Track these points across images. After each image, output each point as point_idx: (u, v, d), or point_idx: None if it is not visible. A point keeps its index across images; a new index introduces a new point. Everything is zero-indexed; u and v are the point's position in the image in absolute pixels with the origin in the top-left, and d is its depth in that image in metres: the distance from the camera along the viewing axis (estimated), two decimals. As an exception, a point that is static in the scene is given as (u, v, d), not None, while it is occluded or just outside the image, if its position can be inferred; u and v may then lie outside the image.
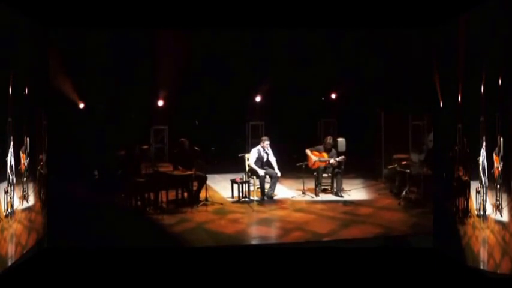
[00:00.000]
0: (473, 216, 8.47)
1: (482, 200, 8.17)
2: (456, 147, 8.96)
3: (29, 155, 9.01)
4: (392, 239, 10.61)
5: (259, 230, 11.52)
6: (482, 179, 8.14)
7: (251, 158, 13.65)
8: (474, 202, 8.41)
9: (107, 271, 8.62)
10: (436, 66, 9.96)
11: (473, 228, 8.52)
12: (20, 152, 8.69)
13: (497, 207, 7.77)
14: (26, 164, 8.89)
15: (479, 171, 8.21)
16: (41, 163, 9.77)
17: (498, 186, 7.72)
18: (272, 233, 11.30)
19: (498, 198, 7.74)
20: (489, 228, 8.02)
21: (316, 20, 9.57)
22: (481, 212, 8.22)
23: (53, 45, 10.32)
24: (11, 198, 8.33)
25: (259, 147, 13.78)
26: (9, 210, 8.31)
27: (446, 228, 9.37)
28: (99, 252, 9.39)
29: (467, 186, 8.60)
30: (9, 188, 8.27)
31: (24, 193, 8.90)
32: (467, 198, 8.65)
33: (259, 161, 13.65)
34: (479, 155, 8.17)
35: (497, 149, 7.67)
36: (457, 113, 8.96)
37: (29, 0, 8.36)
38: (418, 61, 12.29)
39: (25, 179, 8.90)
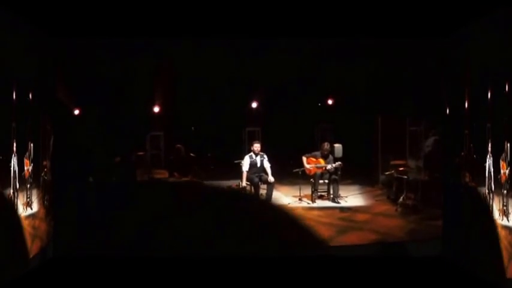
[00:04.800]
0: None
1: (489, 205, 8.20)
2: (463, 153, 8.99)
3: (32, 161, 8.92)
4: (392, 246, 10.61)
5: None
6: (489, 184, 8.15)
7: (244, 165, 13.60)
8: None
9: (110, 280, 8.57)
10: (443, 72, 10.01)
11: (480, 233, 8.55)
12: (24, 158, 8.60)
13: (504, 213, 7.79)
14: (29, 170, 8.80)
15: (485, 177, 8.23)
16: (45, 169, 9.68)
17: (505, 191, 7.74)
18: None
19: (505, 204, 7.76)
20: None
21: (321, 29, 9.60)
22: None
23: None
24: (14, 205, 8.25)
25: (251, 153, 13.73)
26: (12, 217, 8.26)
27: (455, 234, 9.39)
28: (102, 260, 9.38)
29: (474, 192, 8.63)
30: (13, 195, 8.18)
31: (28, 200, 8.81)
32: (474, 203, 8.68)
33: (253, 166, 13.58)
34: (485, 161, 8.19)
35: (504, 155, 7.69)
36: (464, 120, 8.99)
37: (33, 9, 8.32)
38: (417, 66, 12.33)
39: (29, 185, 8.82)
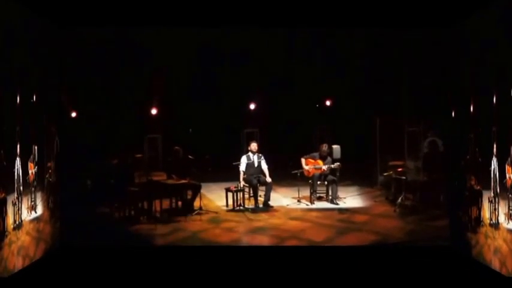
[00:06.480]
0: (486, 225, 8.52)
1: (495, 209, 8.20)
2: (468, 157, 9.00)
3: (37, 164, 8.90)
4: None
5: (254, 238, 11.45)
6: (495, 188, 8.16)
7: (241, 165, 13.63)
8: (487, 211, 8.45)
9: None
10: (447, 72, 10.02)
11: (485, 237, 8.56)
12: (28, 162, 8.58)
13: (510, 217, 7.80)
14: (33, 173, 8.77)
15: (491, 181, 8.24)
16: (49, 171, 9.63)
17: (511, 195, 7.75)
18: (267, 242, 11.19)
19: (511, 208, 7.77)
20: (501, 237, 8.06)
21: (323, 18, 9.61)
22: (494, 221, 8.25)
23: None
24: (18, 209, 8.23)
25: (248, 153, 13.74)
26: (17, 222, 8.21)
27: (462, 237, 9.42)
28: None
29: (480, 196, 8.64)
30: (17, 200, 8.16)
31: (32, 203, 8.80)
32: (479, 207, 8.69)
33: (251, 167, 13.60)
34: (491, 165, 8.20)
35: (509, 159, 7.69)
36: (469, 123, 9.00)
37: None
38: (415, 66, 12.38)
39: (33, 188, 8.81)
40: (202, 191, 13.18)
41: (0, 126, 7.73)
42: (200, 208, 12.89)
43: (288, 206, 13.53)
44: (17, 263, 8.21)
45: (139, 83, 14.10)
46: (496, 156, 8.09)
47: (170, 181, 13.11)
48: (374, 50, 13.02)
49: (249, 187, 13.49)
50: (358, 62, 13.84)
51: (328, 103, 16.68)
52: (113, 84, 13.69)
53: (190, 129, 14.78)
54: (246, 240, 11.46)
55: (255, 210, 13.13)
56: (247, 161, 13.61)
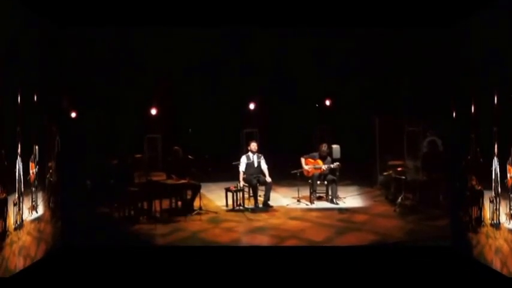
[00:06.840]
0: (487, 226, 8.52)
1: (496, 209, 8.20)
2: (469, 157, 9.01)
3: (38, 164, 8.92)
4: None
5: (254, 238, 11.45)
6: (496, 188, 8.17)
7: (241, 165, 13.65)
8: (488, 211, 8.45)
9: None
10: (448, 72, 10.03)
11: (486, 237, 8.57)
12: (30, 161, 8.59)
13: (511, 217, 7.80)
14: (34, 173, 8.77)
15: (492, 181, 8.25)
16: (50, 171, 9.63)
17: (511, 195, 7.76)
18: (267, 242, 11.20)
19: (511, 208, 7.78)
20: (502, 237, 8.06)
21: (323, 18, 9.63)
22: (495, 221, 8.26)
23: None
24: (20, 209, 8.23)
25: (248, 153, 13.75)
26: (18, 223, 8.21)
27: (463, 237, 9.42)
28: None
29: (481, 196, 8.64)
30: (18, 200, 8.17)
31: (33, 203, 8.81)
32: (480, 207, 8.69)
33: (250, 167, 13.61)
34: (492, 165, 8.21)
35: (510, 158, 7.70)
36: (470, 123, 9.00)
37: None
38: (415, 66, 12.38)
39: (34, 188, 8.83)
40: (202, 191, 13.19)
41: (1, 126, 7.74)
42: (200, 208, 12.89)
43: (288, 206, 13.53)
44: (18, 263, 8.22)
45: (139, 83, 14.08)
46: (497, 156, 8.10)
47: (170, 181, 13.11)
48: (374, 50, 12.98)
49: (249, 187, 13.49)
50: (358, 62, 13.79)
51: (328, 103, 16.66)
52: (113, 84, 13.66)
53: (190, 129, 14.70)
54: (246, 240, 11.45)
55: (255, 210, 13.13)
56: (247, 161, 13.63)
